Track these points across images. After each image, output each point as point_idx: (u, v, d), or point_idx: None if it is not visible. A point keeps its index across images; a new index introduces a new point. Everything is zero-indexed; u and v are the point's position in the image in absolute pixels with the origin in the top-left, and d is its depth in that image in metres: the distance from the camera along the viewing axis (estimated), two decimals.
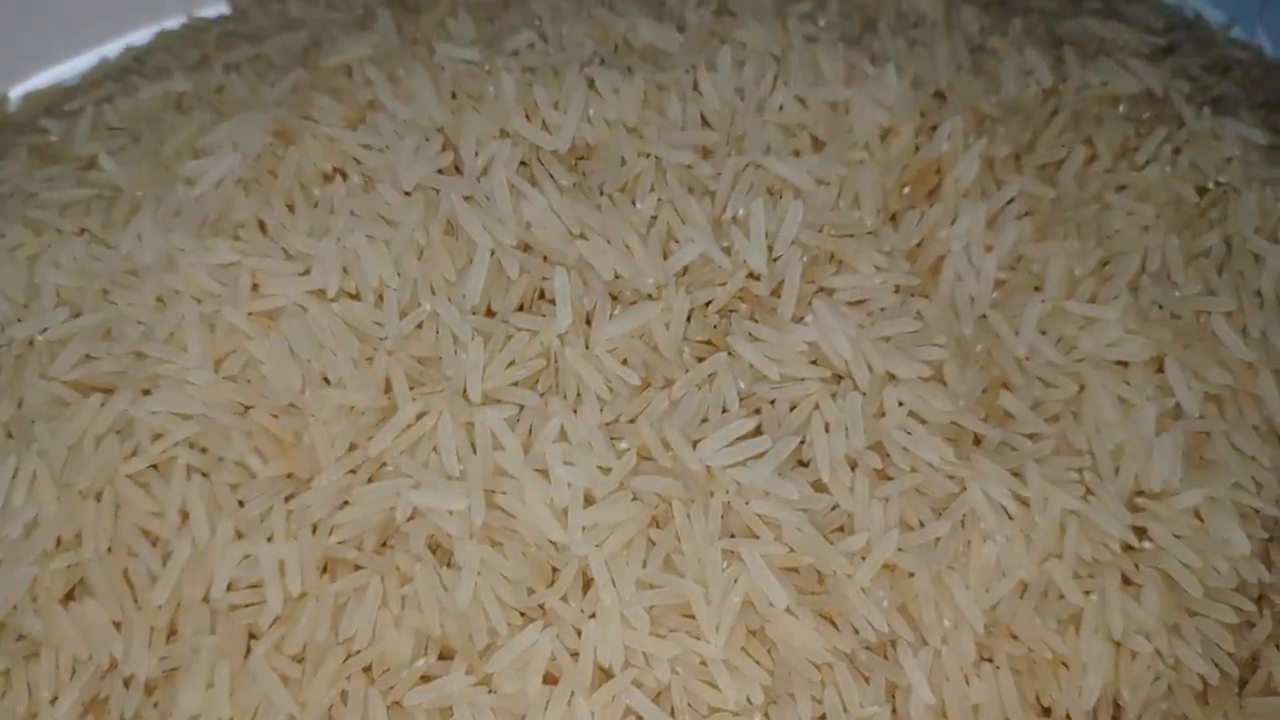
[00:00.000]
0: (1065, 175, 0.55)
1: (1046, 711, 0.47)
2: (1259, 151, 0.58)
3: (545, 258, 0.50)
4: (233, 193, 0.52)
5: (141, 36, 0.73)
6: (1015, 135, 0.55)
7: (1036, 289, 0.52)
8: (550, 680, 0.45)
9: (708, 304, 0.50)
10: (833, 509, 0.47)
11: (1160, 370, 0.51)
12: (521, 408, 0.47)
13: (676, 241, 0.50)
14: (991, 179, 0.54)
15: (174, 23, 0.73)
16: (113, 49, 0.73)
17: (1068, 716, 0.47)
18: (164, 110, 0.58)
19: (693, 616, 0.45)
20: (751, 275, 0.50)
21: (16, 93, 0.71)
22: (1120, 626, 0.47)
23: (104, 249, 0.52)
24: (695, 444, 0.47)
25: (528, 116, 0.53)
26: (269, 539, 0.46)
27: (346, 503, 0.46)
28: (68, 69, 0.73)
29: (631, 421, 0.47)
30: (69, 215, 0.54)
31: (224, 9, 0.74)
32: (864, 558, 0.46)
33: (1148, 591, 0.48)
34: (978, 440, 0.49)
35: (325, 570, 0.46)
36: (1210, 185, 0.57)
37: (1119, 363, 0.51)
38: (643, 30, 0.57)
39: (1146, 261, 0.53)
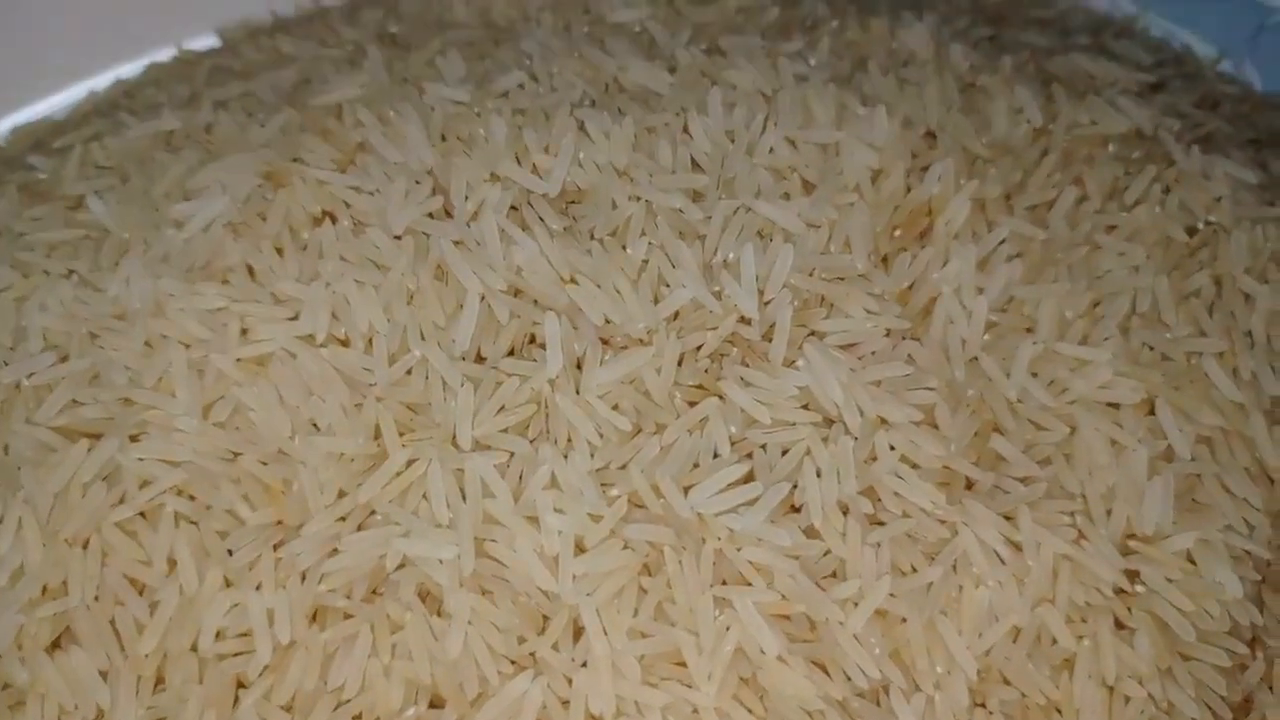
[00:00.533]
0: (1056, 216, 0.55)
1: None
2: (1249, 190, 0.58)
3: (536, 302, 0.50)
4: (221, 236, 0.51)
5: (131, 69, 0.74)
6: (1006, 176, 0.55)
7: (1028, 331, 0.52)
8: None
9: (699, 348, 0.49)
10: (825, 555, 0.47)
11: (1151, 412, 0.51)
12: (512, 454, 0.47)
13: (667, 286, 0.50)
14: (983, 220, 0.54)
15: (163, 55, 0.73)
16: (102, 81, 0.73)
17: None
18: (153, 149, 0.58)
19: (684, 665, 0.45)
20: (742, 319, 0.50)
21: (4, 126, 0.71)
22: (1113, 671, 0.47)
23: (92, 292, 0.52)
24: (687, 490, 0.46)
25: (518, 160, 0.53)
26: (257, 587, 0.46)
27: (336, 550, 0.46)
28: (56, 102, 0.73)
29: (623, 468, 0.47)
30: (57, 257, 0.54)
31: (214, 41, 0.74)
32: (856, 604, 0.46)
33: (1140, 636, 0.48)
34: (970, 484, 0.49)
35: (314, 619, 0.46)
36: (1200, 225, 0.57)
37: (1110, 405, 0.51)
38: (633, 71, 0.57)
39: (1137, 302, 0.53)
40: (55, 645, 0.46)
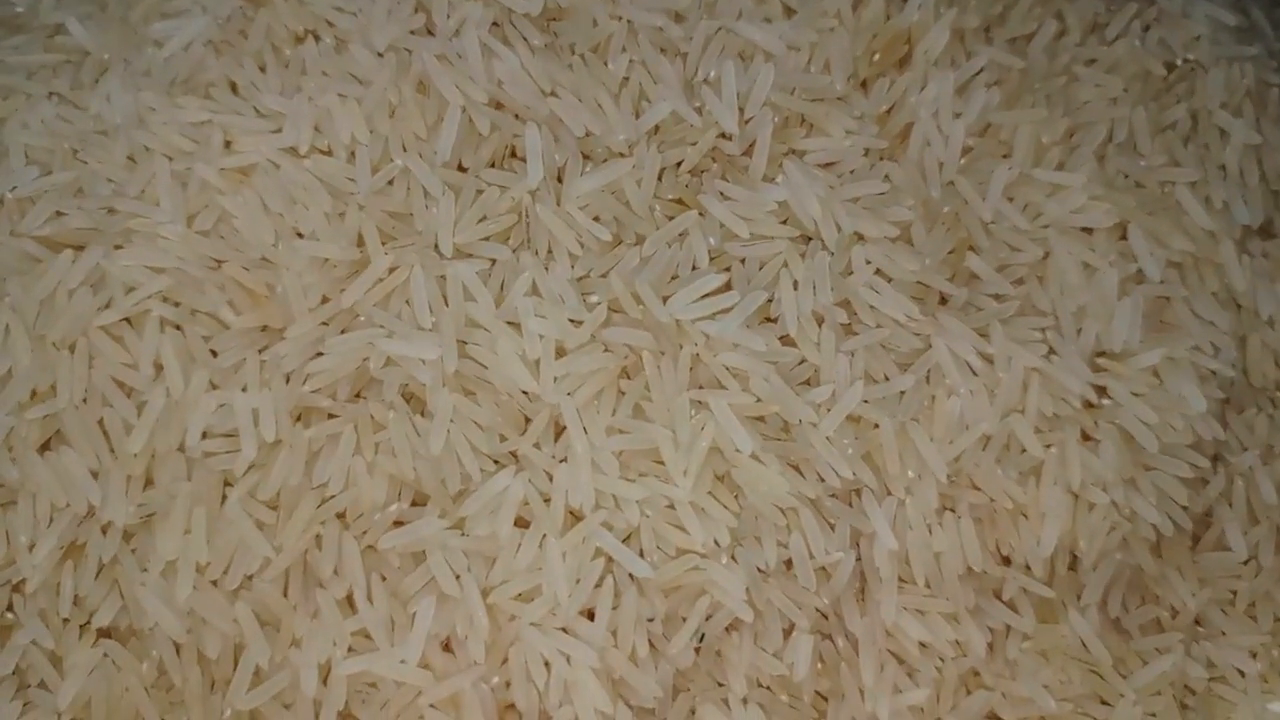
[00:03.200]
0: (1035, 48, 0.55)
1: (1006, 560, 0.49)
2: (1228, 32, 0.59)
3: (517, 115, 0.50)
4: (202, 54, 0.51)
5: None
6: (986, 7, 0.55)
7: (1004, 156, 0.53)
8: (522, 524, 0.46)
9: (679, 163, 0.50)
10: (800, 363, 0.48)
11: (1124, 237, 0.52)
12: (493, 262, 0.48)
13: (648, 100, 0.50)
14: (961, 49, 0.54)
15: None
16: None
17: (1026, 565, 0.49)
18: None
19: (661, 461, 0.46)
20: (723, 135, 0.50)
21: None
22: (1078, 478, 0.48)
23: (73, 109, 0.52)
24: (665, 299, 0.47)
25: None
26: (243, 389, 0.46)
27: (320, 353, 0.47)
28: None
29: (603, 276, 0.48)
30: (36, 79, 0.53)
31: None
32: (829, 408, 0.47)
33: (1106, 446, 0.49)
34: (944, 300, 0.50)
35: (299, 419, 0.47)
36: (1178, 62, 0.57)
37: (1083, 229, 0.52)
38: None
39: (1113, 132, 0.54)
40: (45, 446, 0.47)
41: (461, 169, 0.49)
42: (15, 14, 0.59)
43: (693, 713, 0.46)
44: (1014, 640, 0.49)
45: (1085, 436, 0.49)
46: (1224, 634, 0.51)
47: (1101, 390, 0.50)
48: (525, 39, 0.51)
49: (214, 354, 0.47)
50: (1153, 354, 0.50)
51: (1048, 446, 0.49)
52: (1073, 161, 0.53)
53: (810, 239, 0.49)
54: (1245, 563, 0.51)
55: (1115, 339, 0.50)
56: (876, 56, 0.53)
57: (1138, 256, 0.52)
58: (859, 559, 0.47)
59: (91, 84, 0.52)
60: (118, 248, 0.48)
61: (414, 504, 0.47)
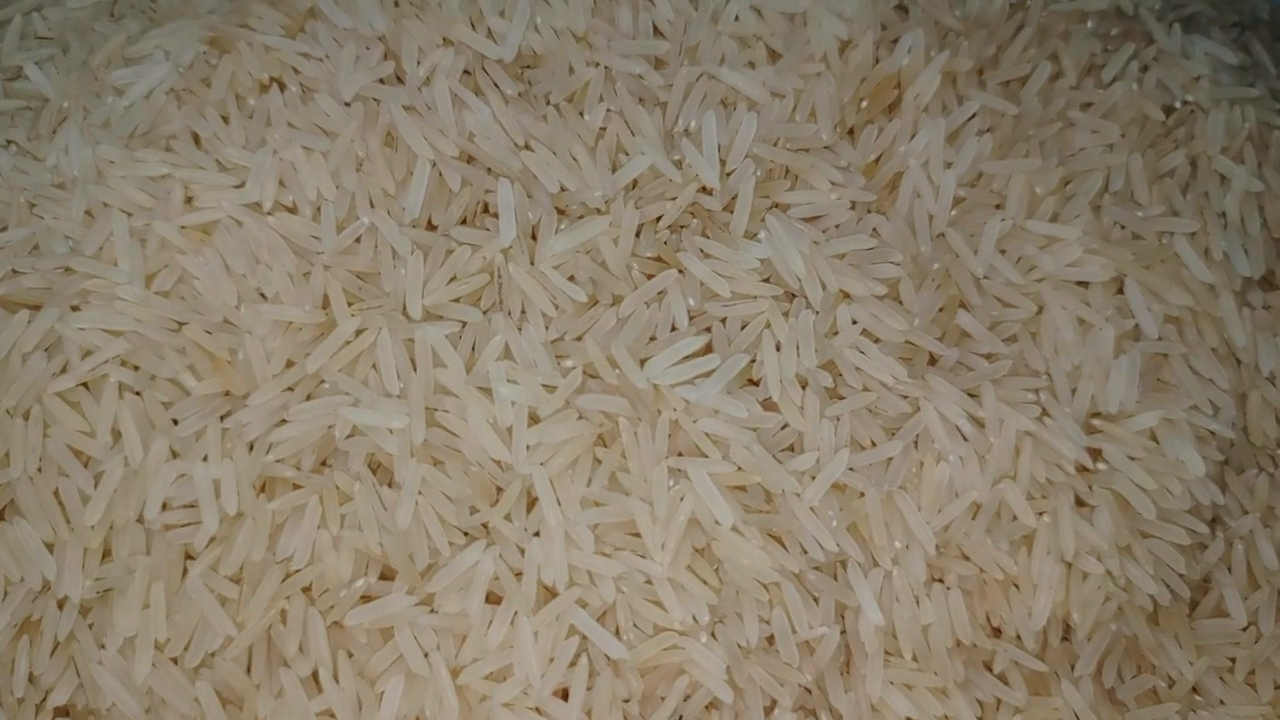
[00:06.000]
0: (1029, 92, 0.54)
1: (997, 632, 0.47)
2: (1229, 71, 0.57)
3: (489, 170, 0.48)
4: (164, 103, 0.50)
5: None
6: (978, 50, 0.53)
7: (997, 207, 0.51)
8: (493, 600, 0.44)
9: (658, 219, 0.48)
10: (782, 428, 0.46)
11: (1120, 291, 0.50)
12: (464, 324, 0.46)
13: (625, 154, 0.48)
14: (953, 94, 0.52)
15: None
16: None
17: (1018, 637, 0.47)
18: (95, 19, 0.55)
19: (638, 535, 0.44)
20: (703, 189, 0.48)
21: None
22: (1072, 548, 0.47)
23: (31, 161, 0.50)
24: (643, 362, 0.45)
25: (472, 25, 0.51)
26: (204, 458, 0.45)
27: (284, 420, 0.45)
28: None
29: (578, 339, 0.46)
30: None
31: None
32: (813, 477, 0.45)
33: (1100, 513, 0.47)
34: (933, 360, 0.48)
35: (262, 489, 0.45)
36: (1177, 105, 0.55)
37: (1079, 283, 0.50)
38: None
39: (1110, 180, 0.52)
40: None
41: (431, 226, 0.47)
42: None
43: None
44: (1005, 714, 0.47)
45: (1079, 502, 0.48)
46: (1222, 703, 0.49)
47: (1096, 454, 0.48)
48: (498, 87, 0.49)
49: (175, 422, 0.45)
50: (1150, 416, 0.48)
51: (1040, 514, 0.47)
52: (1068, 212, 0.51)
53: (794, 297, 0.48)
54: (1244, 629, 0.50)
55: (1111, 400, 0.48)
56: (864, 103, 0.51)
57: (1135, 312, 0.50)
58: (844, 632, 0.46)
59: (50, 134, 0.51)
60: (74, 309, 0.46)
61: (382, 578, 0.45)
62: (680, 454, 0.45)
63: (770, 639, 0.45)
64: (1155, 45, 0.56)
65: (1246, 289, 0.52)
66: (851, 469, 0.46)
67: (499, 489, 0.45)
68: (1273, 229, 0.54)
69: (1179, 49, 0.56)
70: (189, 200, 0.48)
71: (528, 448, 0.44)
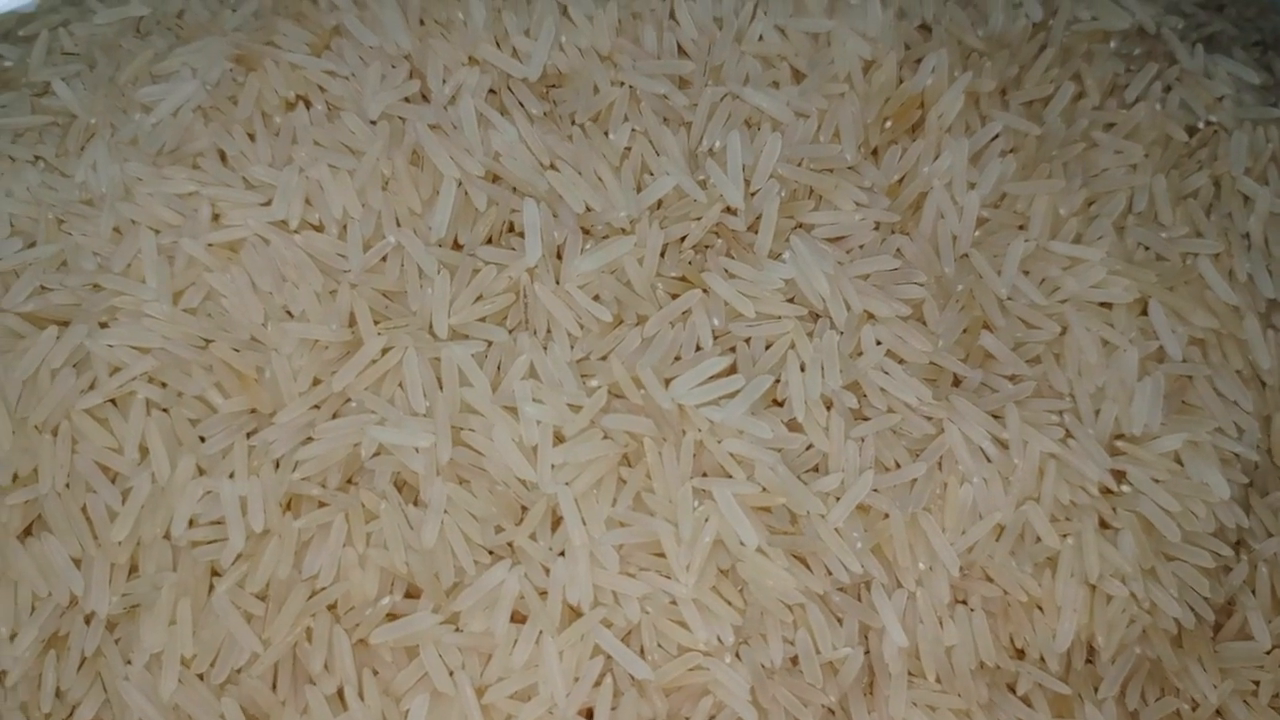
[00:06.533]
0: (1052, 112, 0.54)
1: (1020, 654, 0.47)
2: (1252, 91, 0.57)
3: (514, 189, 0.48)
4: (191, 120, 0.50)
5: None
6: (1002, 70, 0.54)
7: (1020, 228, 0.51)
8: (518, 619, 0.44)
9: (682, 239, 0.48)
10: (807, 449, 0.46)
11: (1144, 312, 0.50)
12: (490, 344, 0.46)
13: (650, 174, 0.49)
14: (976, 114, 0.52)
15: None
16: None
17: (1041, 659, 0.47)
18: (121, 35, 0.56)
19: (663, 555, 0.44)
20: (728, 209, 0.48)
21: None
22: (1096, 570, 0.46)
23: (59, 177, 0.50)
24: (668, 382, 0.46)
25: (498, 44, 0.51)
26: (230, 475, 0.45)
27: (310, 439, 0.45)
28: None
29: (603, 359, 0.46)
30: (22, 143, 0.52)
31: None
32: (838, 498, 0.45)
33: (1124, 535, 0.47)
34: (957, 381, 0.48)
35: (288, 507, 0.45)
36: (1200, 125, 0.55)
37: (1103, 304, 0.50)
38: None
39: (1133, 201, 0.52)
40: (27, 533, 0.46)
41: (457, 246, 0.48)
42: (3, 68, 0.58)
43: None
44: None
45: (1103, 524, 0.48)
46: None
47: (1120, 476, 0.48)
48: (523, 106, 0.49)
49: (202, 439, 0.45)
50: (1174, 438, 0.48)
51: (1064, 536, 0.47)
52: (1091, 233, 0.51)
53: (819, 317, 0.48)
54: (1269, 653, 0.49)
55: (1135, 422, 0.48)
56: (888, 123, 0.51)
57: (1159, 334, 0.50)
58: (867, 653, 0.46)
59: (78, 151, 0.51)
60: (103, 325, 0.47)
61: (407, 596, 0.45)
62: (705, 474, 0.45)
63: (794, 660, 0.45)
64: (1178, 65, 0.56)
65: (1271, 311, 0.52)
66: (876, 490, 0.46)
67: (524, 508, 0.45)
68: None
69: (1202, 69, 0.56)
70: (216, 218, 0.48)
71: (553, 467, 0.44)
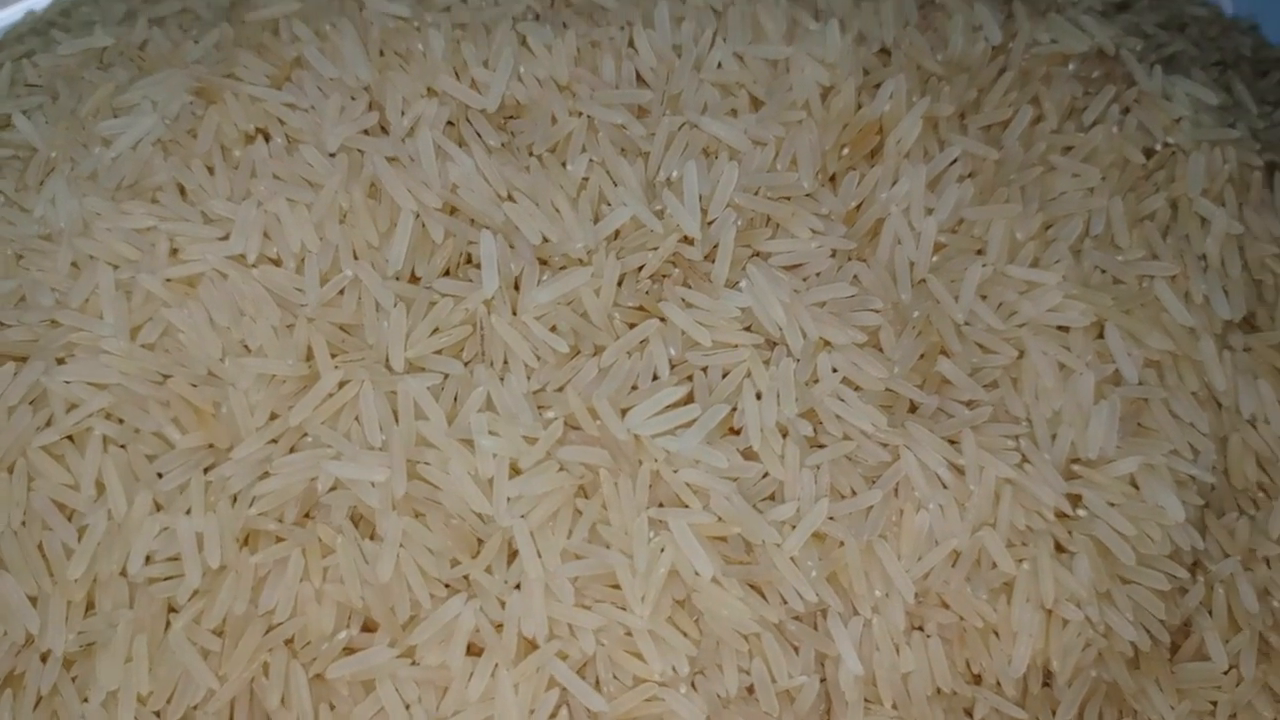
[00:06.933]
0: (1010, 136, 0.54)
1: (977, 679, 0.47)
2: (1210, 112, 0.57)
3: (472, 221, 0.48)
4: (150, 154, 0.50)
5: None
6: (960, 94, 0.54)
7: (978, 252, 0.51)
8: (474, 652, 0.44)
9: (639, 269, 0.48)
10: (763, 477, 0.46)
11: (1101, 335, 0.51)
12: (446, 376, 0.46)
13: (608, 204, 0.49)
14: (934, 139, 0.53)
15: None
16: (41, 1, 0.71)
17: (998, 684, 0.47)
18: (84, 67, 0.56)
19: (618, 587, 0.44)
20: (685, 239, 0.49)
21: None
22: (1051, 594, 0.47)
23: (18, 212, 0.50)
24: (624, 412, 0.46)
25: (456, 75, 0.51)
26: (187, 511, 0.45)
27: (267, 473, 0.45)
28: None
29: (559, 390, 0.46)
30: None
31: None
32: (793, 527, 0.45)
33: (1080, 559, 0.47)
34: (913, 407, 0.48)
35: (245, 542, 0.45)
36: (1158, 147, 0.56)
37: (1059, 328, 0.50)
38: None
39: (1090, 225, 0.52)
40: None
41: (415, 278, 0.48)
42: None
43: None
44: None
45: (1059, 549, 0.48)
46: None
47: (1076, 500, 0.48)
48: (481, 138, 0.50)
49: (159, 475, 0.45)
50: (1130, 461, 0.48)
51: (1020, 562, 0.47)
52: (1048, 257, 0.51)
53: (775, 345, 0.48)
54: (1226, 673, 0.50)
55: (1091, 445, 0.49)
56: (846, 150, 0.52)
57: (1115, 357, 0.50)
58: (824, 681, 0.46)
59: (37, 185, 0.51)
60: (60, 361, 0.47)
61: (364, 630, 0.45)
62: (661, 504, 0.45)
63: (750, 689, 0.45)
64: (1136, 87, 0.57)
65: (1227, 331, 0.53)
66: (831, 518, 0.46)
67: (480, 541, 0.45)
68: (1253, 270, 0.54)
69: (1160, 90, 0.57)
70: (174, 252, 0.48)
71: (509, 500, 0.45)
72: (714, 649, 0.45)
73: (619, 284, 0.48)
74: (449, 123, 0.50)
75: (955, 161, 0.52)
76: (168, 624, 0.45)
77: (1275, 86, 0.64)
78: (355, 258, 0.48)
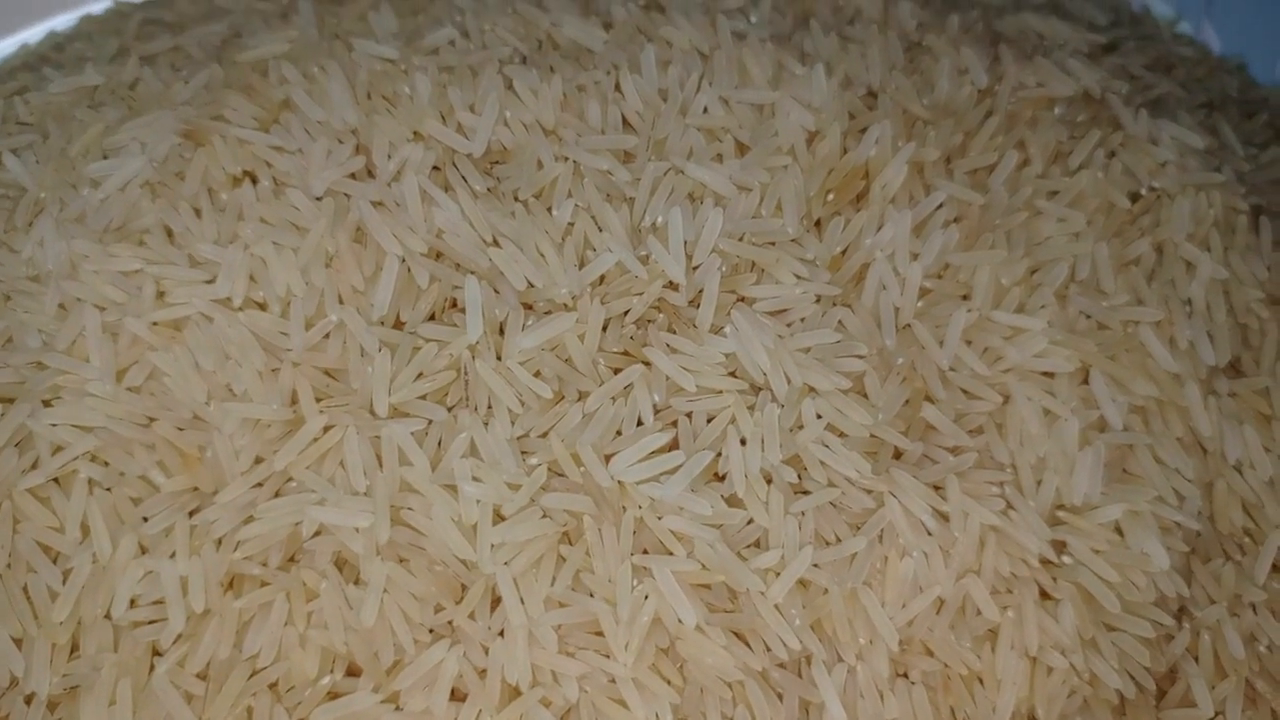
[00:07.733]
0: (996, 180, 0.54)
1: None
2: (1195, 156, 0.57)
3: (457, 266, 0.48)
4: (138, 196, 0.50)
5: (65, 20, 0.72)
6: (946, 138, 0.54)
7: (964, 298, 0.51)
8: (458, 698, 0.44)
9: (624, 314, 0.49)
10: (747, 524, 0.46)
11: (1086, 381, 0.51)
12: (430, 422, 0.46)
13: (593, 250, 0.49)
14: (920, 184, 0.53)
15: (99, 6, 0.71)
16: (35, 34, 0.71)
17: None
18: (75, 105, 0.56)
19: (602, 634, 0.44)
20: (669, 285, 0.49)
21: None
22: (1036, 643, 0.47)
23: (6, 253, 0.51)
24: (608, 459, 0.46)
25: (443, 119, 0.51)
26: (172, 555, 0.45)
27: (251, 518, 0.45)
28: None
29: (543, 436, 0.46)
30: None
31: None
32: (777, 574, 0.45)
33: (1065, 607, 0.47)
34: (898, 454, 0.48)
35: (229, 586, 0.45)
36: (1143, 191, 0.56)
37: (1045, 374, 0.50)
38: (567, 27, 0.55)
39: (1075, 270, 0.53)
40: None
41: (399, 323, 0.48)
42: None
43: None
44: None
45: (1044, 595, 0.48)
46: None
47: (1061, 546, 0.48)
48: (467, 182, 0.50)
49: (144, 519, 0.45)
50: (1114, 508, 0.48)
51: (1004, 609, 0.47)
52: (1034, 302, 0.51)
53: (760, 390, 0.48)
54: (1212, 719, 0.50)
55: (1076, 492, 0.49)
56: (831, 195, 0.52)
57: (1100, 403, 0.50)
58: None
59: (26, 226, 0.51)
60: (46, 404, 0.47)
61: (348, 675, 0.45)
62: (645, 551, 0.45)
63: None
64: (1122, 131, 0.57)
65: (1213, 377, 0.53)
66: (816, 565, 0.46)
67: (464, 587, 0.45)
68: (1238, 316, 0.54)
69: (1146, 134, 0.57)
70: (160, 295, 0.48)
71: (492, 546, 0.45)
72: (698, 697, 0.45)
73: (603, 329, 0.48)
74: (435, 167, 0.50)
75: (941, 206, 0.52)
76: (152, 667, 0.45)
77: (1262, 128, 0.64)
78: (340, 302, 0.48)
